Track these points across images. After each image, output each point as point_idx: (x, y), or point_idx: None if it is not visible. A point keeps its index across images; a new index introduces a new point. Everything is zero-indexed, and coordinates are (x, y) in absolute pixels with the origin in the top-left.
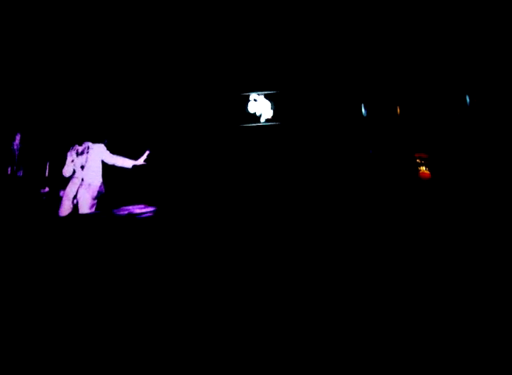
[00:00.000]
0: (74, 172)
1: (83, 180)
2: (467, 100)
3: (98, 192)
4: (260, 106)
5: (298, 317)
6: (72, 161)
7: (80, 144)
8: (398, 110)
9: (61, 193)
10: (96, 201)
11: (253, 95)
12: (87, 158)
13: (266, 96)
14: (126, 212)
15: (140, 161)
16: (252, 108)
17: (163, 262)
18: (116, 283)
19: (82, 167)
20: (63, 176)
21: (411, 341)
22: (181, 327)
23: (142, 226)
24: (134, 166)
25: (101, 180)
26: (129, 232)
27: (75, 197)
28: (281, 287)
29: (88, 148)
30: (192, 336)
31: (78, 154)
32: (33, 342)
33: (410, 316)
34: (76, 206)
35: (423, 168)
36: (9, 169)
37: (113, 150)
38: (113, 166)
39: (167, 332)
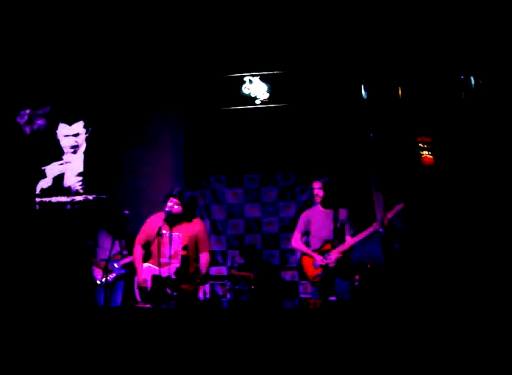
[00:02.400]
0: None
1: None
2: (472, 81)
3: None
4: (255, 88)
5: None
6: None
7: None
8: (400, 92)
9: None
10: None
11: (247, 76)
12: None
13: (262, 77)
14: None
15: None
16: (246, 89)
17: None
18: None
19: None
20: None
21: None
22: None
23: None
24: None
25: None
26: None
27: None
28: None
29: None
30: None
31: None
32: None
33: (407, 310)
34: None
35: (426, 152)
36: None
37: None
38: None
39: None
